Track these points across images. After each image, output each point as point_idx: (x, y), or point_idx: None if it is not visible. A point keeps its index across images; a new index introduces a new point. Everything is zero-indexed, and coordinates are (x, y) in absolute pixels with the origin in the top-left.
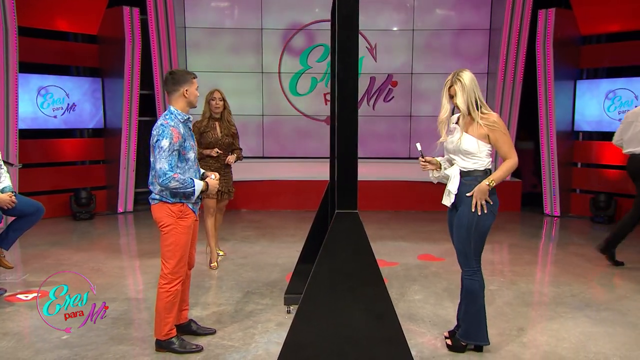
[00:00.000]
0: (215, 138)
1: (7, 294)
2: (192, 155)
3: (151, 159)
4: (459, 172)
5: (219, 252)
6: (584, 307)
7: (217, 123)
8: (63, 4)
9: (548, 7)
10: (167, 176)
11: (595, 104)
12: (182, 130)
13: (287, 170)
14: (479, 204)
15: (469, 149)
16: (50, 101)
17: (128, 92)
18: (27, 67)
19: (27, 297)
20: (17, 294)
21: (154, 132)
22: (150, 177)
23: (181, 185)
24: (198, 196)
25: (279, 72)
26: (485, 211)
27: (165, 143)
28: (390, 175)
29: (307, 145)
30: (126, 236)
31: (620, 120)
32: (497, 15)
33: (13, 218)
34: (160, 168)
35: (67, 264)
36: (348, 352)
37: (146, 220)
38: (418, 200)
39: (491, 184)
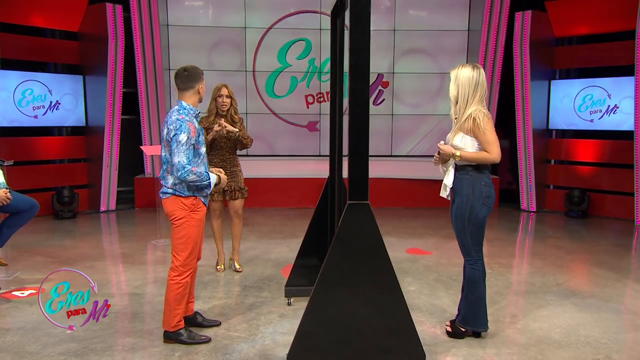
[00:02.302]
0: (219, 135)
1: (1, 291)
2: (203, 149)
3: (162, 154)
4: (454, 166)
5: (237, 266)
6: (570, 295)
7: (221, 120)
8: (44, 1)
9: (524, 9)
10: (185, 169)
11: (568, 103)
12: (196, 125)
13: (271, 169)
14: (437, 156)
15: (457, 143)
16: (30, 98)
17: (111, 90)
18: (6, 63)
19: (22, 293)
20: (12, 291)
21: (170, 127)
22: (162, 171)
23: (198, 179)
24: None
25: (253, 71)
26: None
27: (183, 137)
28: (373, 173)
29: (290, 144)
30: (112, 234)
31: (591, 120)
32: (476, 17)
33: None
34: (179, 162)
35: (57, 261)
36: (360, 338)
37: (129, 219)
38: (401, 197)
39: (456, 154)
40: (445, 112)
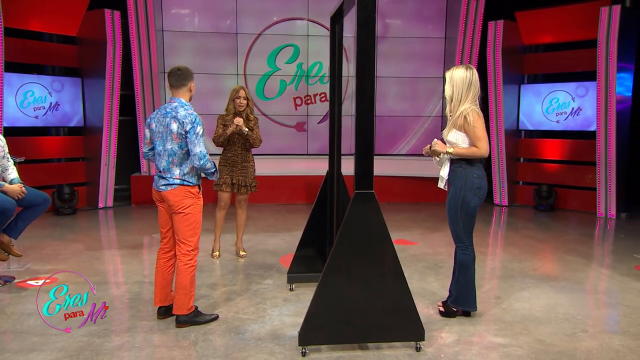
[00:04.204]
0: (233, 132)
1: (16, 280)
2: None
3: (169, 146)
4: (449, 159)
5: (242, 252)
6: (546, 278)
7: (239, 118)
8: (44, 6)
9: (497, 19)
10: (206, 157)
11: (536, 105)
12: None
13: (262, 167)
14: (430, 148)
15: (450, 139)
16: (31, 100)
17: (109, 92)
18: (8, 66)
19: (37, 282)
20: (26, 281)
21: (185, 121)
22: (167, 163)
23: (210, 165)
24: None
25: (245, 74)
26: (426, 154)
27: (200, 129)
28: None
29: (280, 143)
30: (114, 229)
31: (557, 121)
32: (452, 26)
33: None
34: (200, 151)
35: (65, 253)
36: (365, 318)
37: (127, 215)
38: (383, 193)
39: (449, 150)
40: (425, 113)
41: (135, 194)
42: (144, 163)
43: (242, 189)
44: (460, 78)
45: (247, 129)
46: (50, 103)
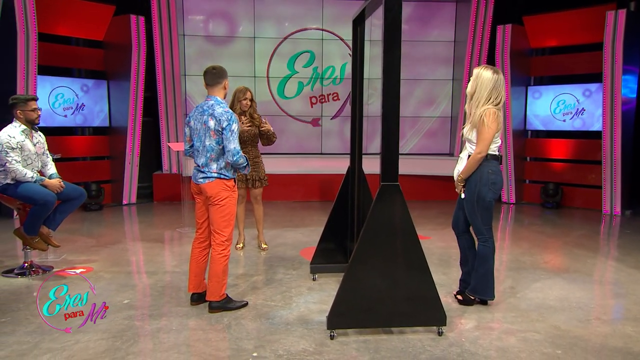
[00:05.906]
0: (241, 130)
1: (54, 270)
2: None
3: (207, 143)
4: (467, 156)
5: (263, 245)
6: (557, 270)
7: (241, 117)
8: (73, 13)
9: (505, 23)
10: (240, 154)
11: (543, 106)
12: None
13: (278, 166)
14: (458, 188)
15: (469, 136)
16: (61, 101)
17: (133, 94)
18: (40, 69)
19: (75, 271)
20: (64, 270)
21: (221, 119)
22: (205, 159)
23: (243, 161)
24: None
25: (267, 77)
26: (463, 196)
27: (235, 127)
28: (370, 169)
29: (295, 143)
30: (137, 224)
31: (564, 120)
32: (461, 30)
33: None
34: (235, 147)
35: (97, 245)
36: (390, 305)
37: (150, 211)
38: None
39: (460, 176)
40: (435, 114)
41: (157, 191)
42: (165, 162)
43: (257, 183)
44: (487, 79)
45: (268, 127)
46: (78, 104)
